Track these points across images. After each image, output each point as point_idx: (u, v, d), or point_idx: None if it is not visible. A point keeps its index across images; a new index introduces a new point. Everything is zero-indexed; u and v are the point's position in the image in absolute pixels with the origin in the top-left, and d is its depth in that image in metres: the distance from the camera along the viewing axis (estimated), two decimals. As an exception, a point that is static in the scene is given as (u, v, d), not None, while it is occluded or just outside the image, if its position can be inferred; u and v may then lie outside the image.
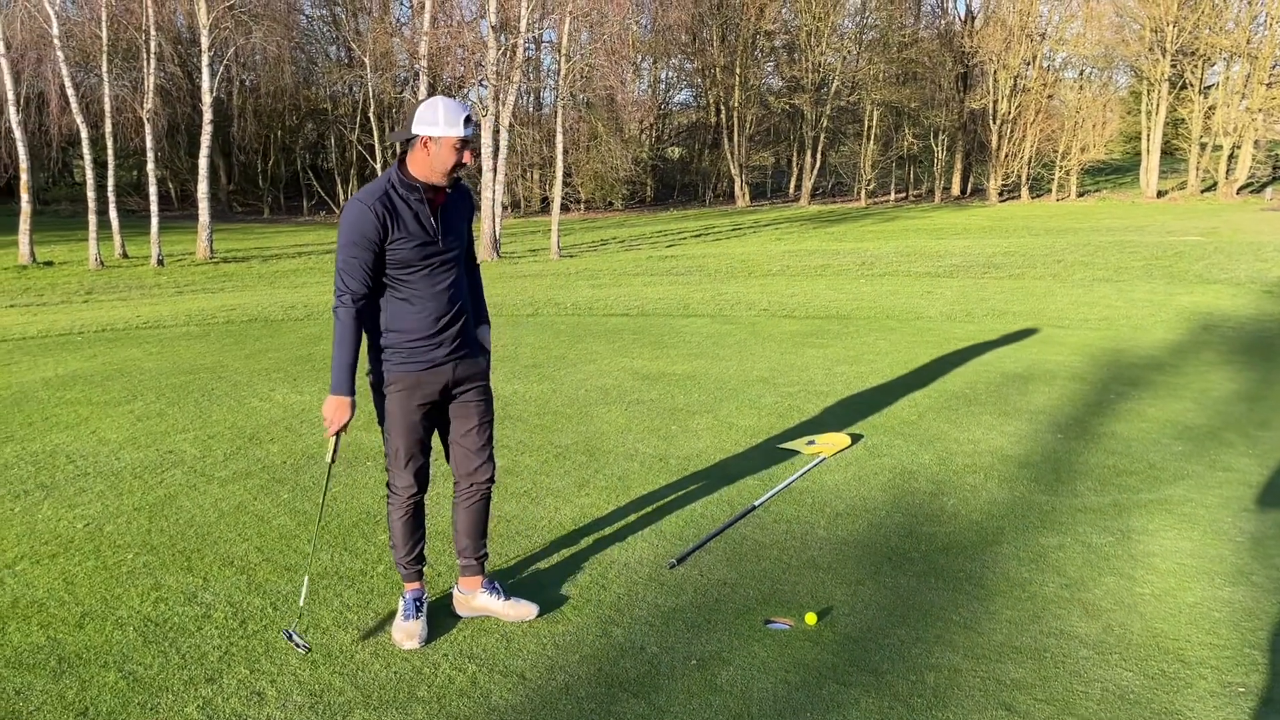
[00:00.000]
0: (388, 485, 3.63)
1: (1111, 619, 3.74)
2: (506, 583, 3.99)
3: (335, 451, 3.55)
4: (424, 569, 3.71)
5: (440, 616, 3.71)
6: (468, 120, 3.28)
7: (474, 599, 3.72)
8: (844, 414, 6.79)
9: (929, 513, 4.86)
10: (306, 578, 3.84)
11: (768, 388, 7.56)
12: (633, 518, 4.76)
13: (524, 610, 3.69)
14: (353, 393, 3.39)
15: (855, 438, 6.13)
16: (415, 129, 3.26)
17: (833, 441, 5.98)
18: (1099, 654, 3.47)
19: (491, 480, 3.69)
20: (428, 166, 3.30)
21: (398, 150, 3.47)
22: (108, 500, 4.98)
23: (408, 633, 3.52)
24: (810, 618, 3.68)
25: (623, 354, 8.87)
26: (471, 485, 3.67)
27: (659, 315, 11.84)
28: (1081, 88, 49.42)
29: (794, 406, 7.00)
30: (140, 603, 3.81)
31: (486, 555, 3.78)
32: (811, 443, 5.97)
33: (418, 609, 3.59)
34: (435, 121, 3.24)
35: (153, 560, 4.23)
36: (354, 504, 4.93)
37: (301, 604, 3.73)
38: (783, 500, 5.02)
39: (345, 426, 3.44)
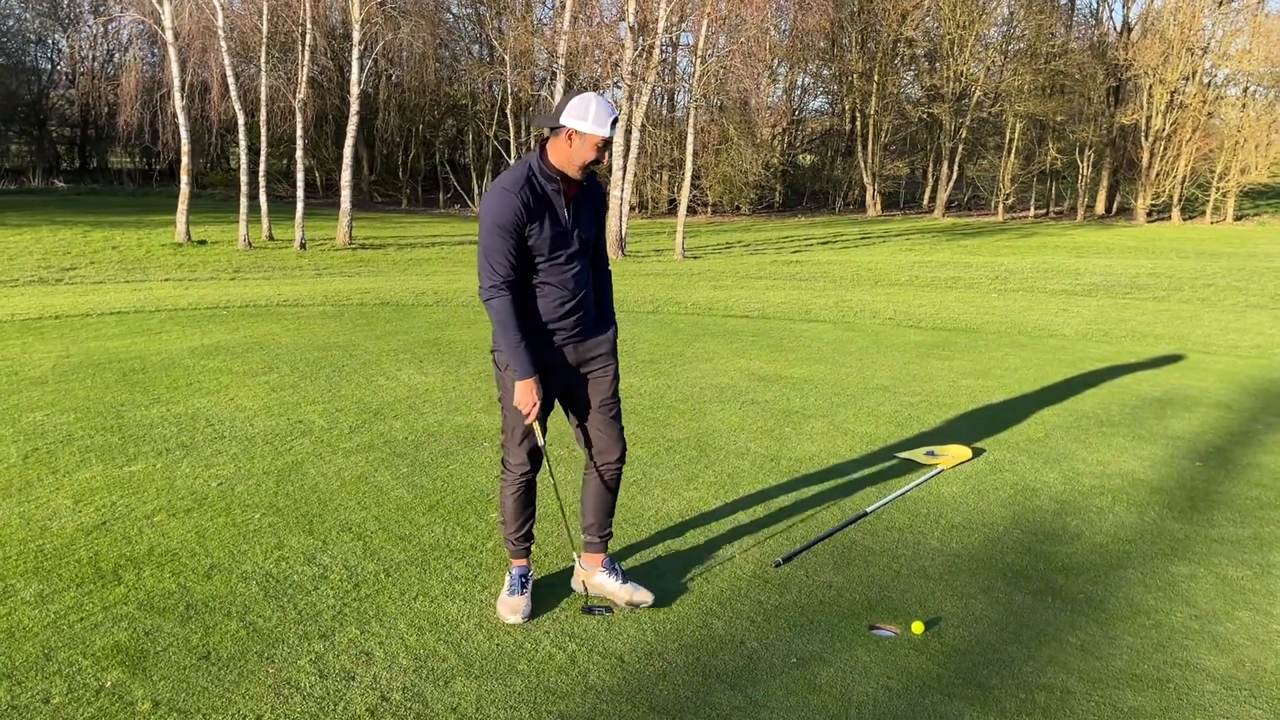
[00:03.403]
0: (502, 462, 3.69)
1: (1243, 654, 3.52)
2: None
3: (543, 434, 3.59)
4: (531, 547, 3.77)
5: (545, 596, 3.76)
6: (614, 123, 3.33)
7: (593, 576, 3.75)
8: (966, 427, 6.59)
9: (1050, 531, 4.68)
10: (576, 555, 3.81)
11: (888, 396, 7.40)
12: (740, 515, 4.73)
13: (639, 596, 3.69)
14: (535, 371, 3.41)
15: (977, 452, 5.95)
16: (564, 120, 3.29)
17: (953, 454, 5.81)
18: (1227, 689, 3.27)
19: (621, 460, 3.71)
20: (566, 158, 3.35)
21: (541, 136, 3.53)
22: (240, 463, 5.23)
23: (511, 607, 3.58)
24: (917, 626, 3.58)
25: (740, 355, 8.82)
26: (603, 464, 3.70)
27: (779, 319, 11.74)
28: (1245, 106, 46.64)
29: (914, 416, 6.83)
30: (264, 559, 4.00)
31: (610, 534, 3.80)
32: (931, 453, 5.82)
33: (523, 585, 3.65)
34: (585, 117, 3.28)
35: (277, 521, 4.42)
36: (469, 481, 5.05)
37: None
38: (896, 509, 4.91)
39: (537, 405, 3.47)
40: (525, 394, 3.41)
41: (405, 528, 4.41)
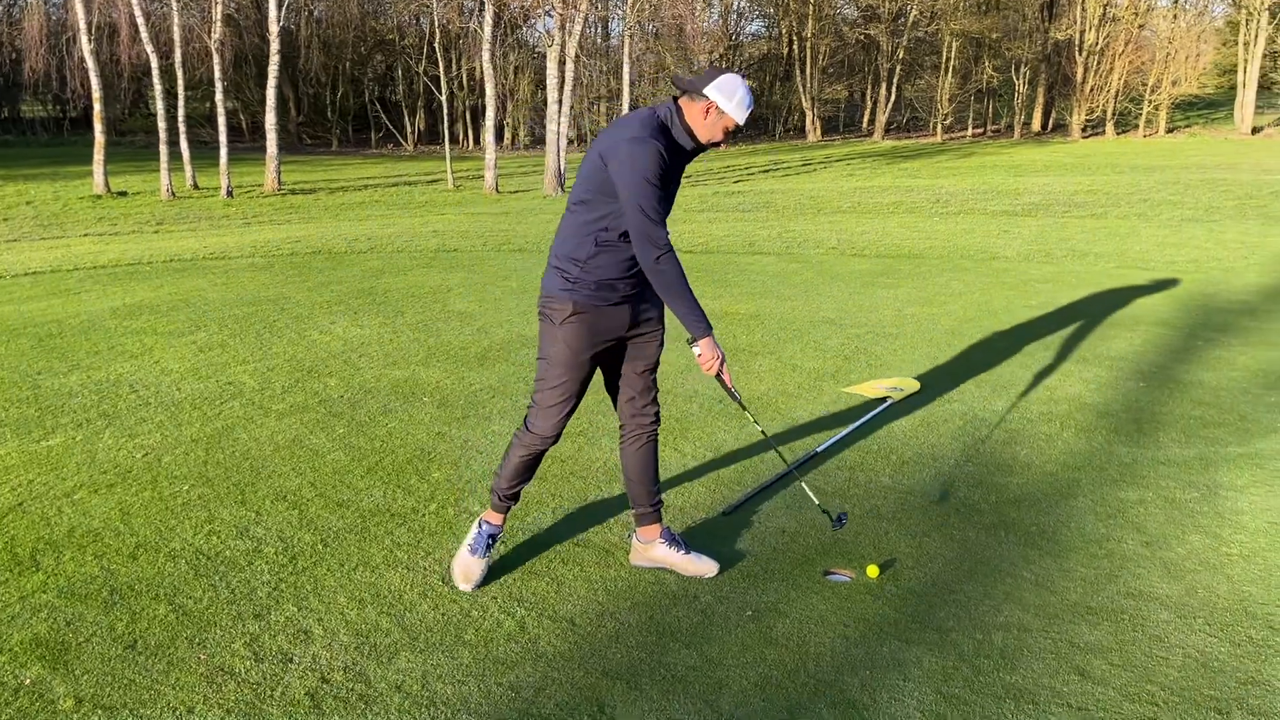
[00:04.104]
0: (525, 422, 3.45)
1: (1195, 580, 3.52)
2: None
3: (733, 387, 3.46)
4: (513, 508, 3.61)
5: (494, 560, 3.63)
6: (749, 115, 3.26)
7: (652, 549, 3.58)
8: (913, 357, 6.55)
9: (1000, 462, 4.65)
10: (808, 491, 3.84)
11: (834, 329, 7.33)
12: (690, 462, 4.63)
13: (704, 566, 3.53)
14: (710, 325, 3.30)
15: (924, 383, 5.90)
16: (709, 91, 3.17)
17: (901, 385, 5.76)
18: (1181, 618, 3.27)
19: (657, 422, 3.55)
20: (699, 127, 3.23)
21: (675, 95, 3.30)
22: (167, 431, 5.00)
23: (466, 571, 3.42)
24: (872, 570, 3.52)
25: (685, 291, 8.66)
26: (638, 428, 3.53)
27: (723, 253, 11.60)
28: (1175, 17, 46.99)
29: (861, 349, 6.77)
30: (193, 535, 3.81)
31: (661, 502, 3.62)
32: (879, 387, 5.76)
33: (488, 546, 3.48)
34: (731, 97, 3.17)
35: (208, 493, 4.22)
36: (409, 440, 4.88)
37: (817, 503, 3.80)
38: (846, 446, 4.85)
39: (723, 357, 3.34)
40: (712, 350, 3.29)
41: (343, 493, 4.24)
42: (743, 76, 3.26)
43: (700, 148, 3.29)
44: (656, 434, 3.57)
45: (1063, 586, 3.47)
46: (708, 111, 3.20)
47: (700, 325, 3.24)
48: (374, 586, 3.43)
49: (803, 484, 3.87)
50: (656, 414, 3.55)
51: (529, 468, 3.50)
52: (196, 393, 5.64)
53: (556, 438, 3.43)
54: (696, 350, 3.31)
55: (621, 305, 3.34)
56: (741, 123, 3.24)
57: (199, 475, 4.42)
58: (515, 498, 3.55)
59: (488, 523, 3.52)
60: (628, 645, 3.09)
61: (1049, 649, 3.08)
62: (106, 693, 2.81)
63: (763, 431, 3.94)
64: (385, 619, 3.22)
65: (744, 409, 3.67)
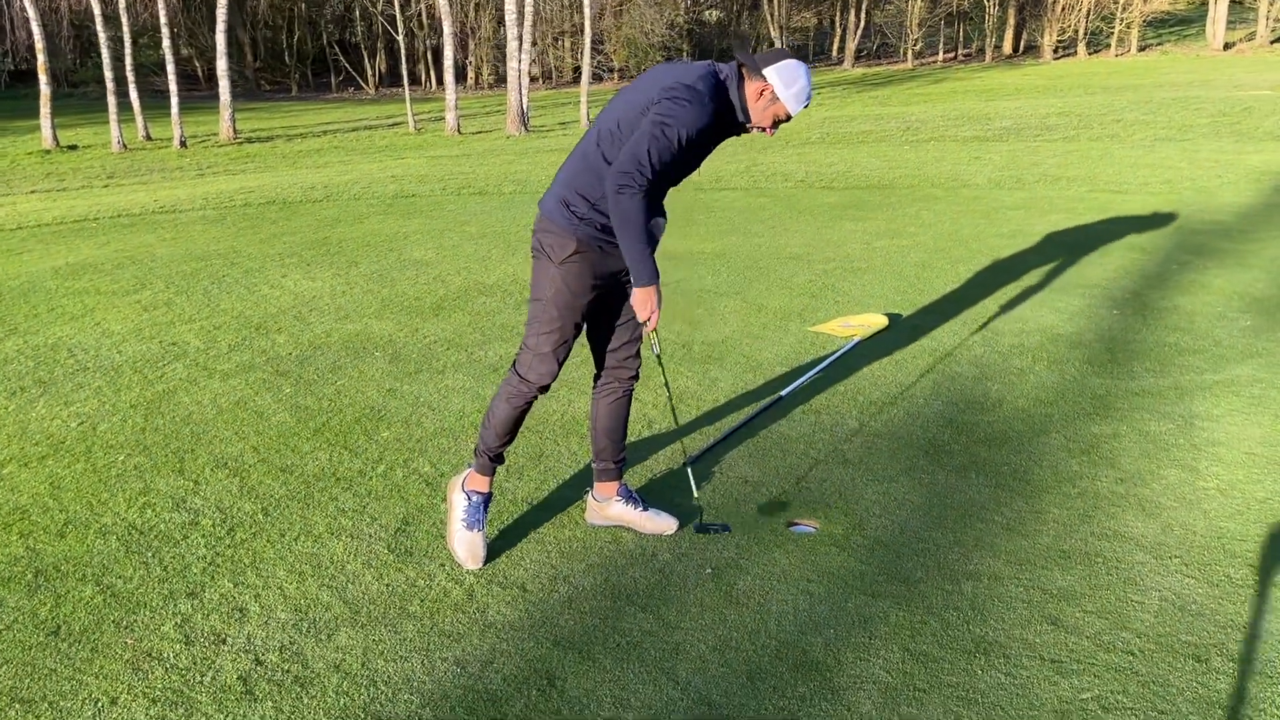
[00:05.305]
0: (516, 371, 3.22)
1: (1171, 518, 3.40)
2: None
3: (657, 346, 3.29)
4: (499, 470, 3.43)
5: (440, 522, 3.46)
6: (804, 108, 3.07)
7: (609, 507, 3.41)
8: (882, 292, 6.38)
9: (971, 399, 4.50)
10: (689, 469, 3.57)
11: (801, 265, 7.13)
12: (651, 411, 4.46)
13: (663, 523, 3.37)
14: (658, 276, 3.03)
15: (893, 318, 5.74)
16: (769, 73, 2.93)
17: (868, 323, 5.59)
18: (1157, 558, 3.15)
19: (636, 377, 3.37)
20: (752, 106, 2.98)
21: (738, 64, 3.03)
22: (105, 397, 4.77)
23: (473, 550, 3.19)
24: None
25: (650, 231, 8.43)
26: (615, 380, 3.34)
27: (689, 189, 11.32)
28: (1146, -69, 46.23)
29: (829, 285, 6.58)
30: (127, 509, 3.61)
31: (624, 459, 3.44)
32: (846, 325, 5.59)
33: (484, 513, 3.26)
34: (791, 85, 2.93)
35: (144, 462, 4.02)
36: (358, 398, 4.68)
37: (695, 495, 3.51)
38: (813, 388, 4.69)
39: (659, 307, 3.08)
40: (651, 299, 3.01)
41: (287, 457, 4.04)
42: (808, 66, 3.01)
43: (742, 128, 3.06)
44: (633, 390, 3.39)
45: (1034, 530, 3.34)
46: (761, 93, 2.97)
47: (647, 274, 2.98)
48: (315, 558, 3.26)
49: (689, 472, 3.59)
50: (638, 368, 3.36)
51: (518, 421, 3.26)
52: (138, 355, 5.40)
53: (550, 383, 3.22)
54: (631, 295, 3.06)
55: (616, 254, 3.11)
56: (794, 114, 3.01)
57: (136, 444, 4.21)
58: (502, 458, 3.31)
59: (476, 492, 3.27)
60: (581, 611, 2.94)
61: (1020, 597, 2.95)
62: (25, 685, 2.63)
63: (671, 404, 3.72)
64: (326, 592, 3.05)
65: (661, 367, 3.49)
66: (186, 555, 3.28)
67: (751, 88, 2.98)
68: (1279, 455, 3.85)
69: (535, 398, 3.23)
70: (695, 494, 3.51)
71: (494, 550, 3.27)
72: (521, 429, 3.34)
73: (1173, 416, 4.25)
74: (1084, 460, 3.86)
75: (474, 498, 3.26)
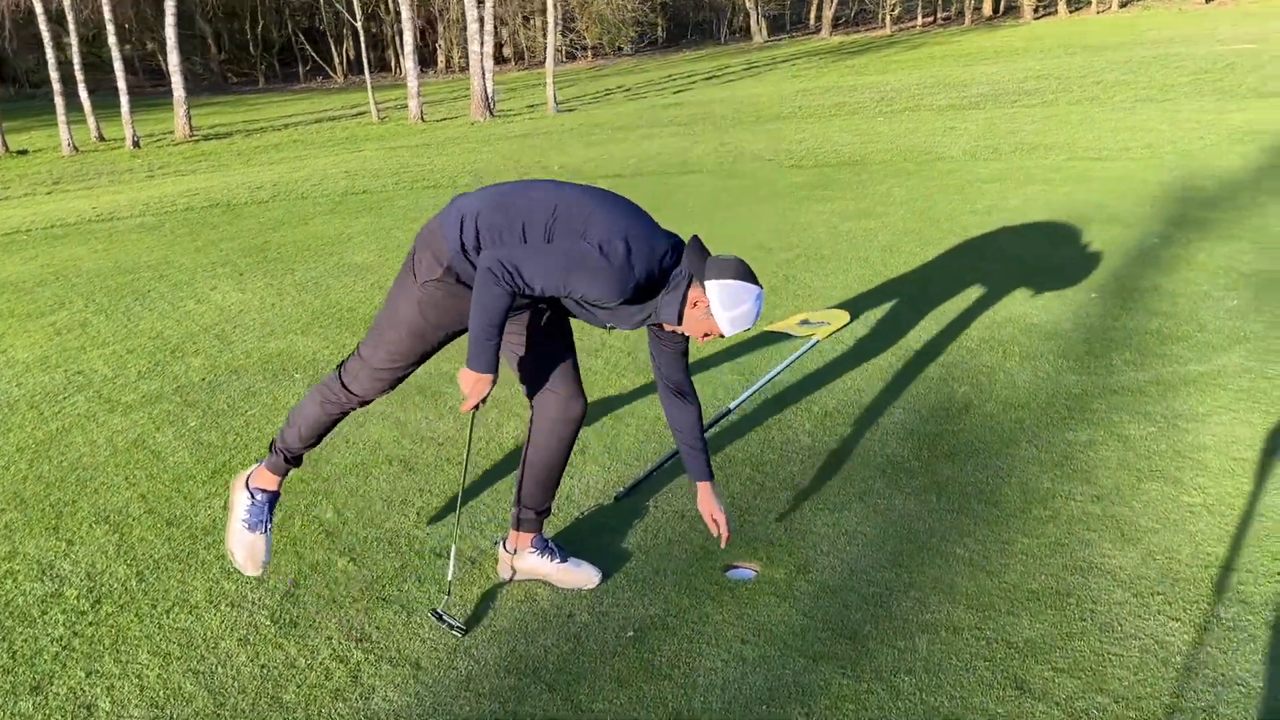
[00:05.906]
0: (340, 375, 2.86)
1: (1153, 543, 3.03)
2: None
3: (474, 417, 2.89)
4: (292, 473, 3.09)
5: (332, 584, 3.07)
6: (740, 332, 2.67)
7: (522, 559, 3.01)
8: (845, 281, 5.98)
9: (935, 406, 4.12)
10: (454, 548, 3.14)
11: (763, 254, 6.73)
12: (587, 432, 4.06)
13: (583, 576, 2.98)
14: (497, 369, 2.61)
15: (854, 312, 5.34)
16: (710, 289, 2.56)
17: (828, 319, 5.20)
18: (1136, 596, 2.78)
19: (583, 414, 2.96)
20: (685, 312, 2.63)
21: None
22: (-8, 440, 4.36)
23: (253, 553, 2.93)
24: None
25: (606, 222, 8.01)
26: (567, 418, 2.92)
27: (655, 174, 10.90)
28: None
29: (790, 276, 6.18)
30: (-14, 579, 3.21)
31: (550, 511, 3.05)
32: (805, 323, 5.19)
33: (269, 513, 2.96)
34: (731, 308, 2.56)
35: (16, 519, 3.61)
36: (269, 429, 4.27)
37: (450, 578, 3.03)
38: (764, 399, 4.30)
39: (486, 399, 2.65)
40: (479, 386, 2.59)
41: (177, 506, 3.64)
42: (760, 291, 2.62)
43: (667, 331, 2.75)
44: (579, 429, 2.99)
45: (1000, 565, 2.97)
46: (695, 304, 2.59)
47: (486, 362, 2.55)
48: (187, 634, 2.86)
49: (452, 551, 3.17)
50: (584, 407, 2.97)
51: (327, 429, 2.96)
52: (38, 387, 4.98)
53: (369, 403, 2.91)
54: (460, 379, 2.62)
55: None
56: (727, 336, 2.64)
57: (13, 496, 3.80)
58: (299, 462, 3.01)
59: (263, 491, 2.96)
60: (479, 693, 2.56)
61: (981, 654, 2.58)
62: None
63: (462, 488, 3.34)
64: (190, 680, 2.66)
65: (469, 445, 3.12)
66: (40, 638, 2.89)
67: (691, 293, 2.60)
68: (1270, 460, 3.47)
69: (352, 410, 2.91)
70: (450, 575, 3.02)
71: (389, 619, 2.88)
72: (441, 463, 2.98)
73: (1154, 418, 3.87)
74: (1056, 475, 3.48)
75: (259, 496, 2.96)
